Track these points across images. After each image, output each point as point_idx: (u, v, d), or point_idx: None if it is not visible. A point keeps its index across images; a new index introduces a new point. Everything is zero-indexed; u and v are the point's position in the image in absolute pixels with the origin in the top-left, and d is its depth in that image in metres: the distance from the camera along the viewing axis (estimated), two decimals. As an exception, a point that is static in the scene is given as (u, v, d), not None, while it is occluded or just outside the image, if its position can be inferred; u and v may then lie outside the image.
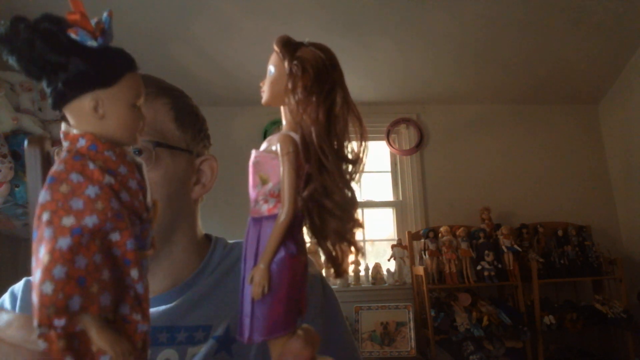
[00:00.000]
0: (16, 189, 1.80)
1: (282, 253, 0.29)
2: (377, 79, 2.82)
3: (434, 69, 2.81)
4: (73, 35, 0.26)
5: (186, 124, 0.67)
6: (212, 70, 2.64)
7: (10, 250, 2.39)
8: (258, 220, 0.31)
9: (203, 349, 0.59)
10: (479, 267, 2.54)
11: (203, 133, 0.72)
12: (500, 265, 2.55)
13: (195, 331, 0.61)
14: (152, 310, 0.62)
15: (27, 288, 0.67)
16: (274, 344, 0.30)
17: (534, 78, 2.92)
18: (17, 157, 1.80)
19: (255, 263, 0.30)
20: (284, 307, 0.30)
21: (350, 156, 0.32)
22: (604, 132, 3.16)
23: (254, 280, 0.29)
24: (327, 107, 0.31)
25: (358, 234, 0.32)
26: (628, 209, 2.96)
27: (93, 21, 0.28)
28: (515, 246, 2.58)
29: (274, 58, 0.32)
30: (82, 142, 0.28)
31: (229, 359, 0.59)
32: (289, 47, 0.31)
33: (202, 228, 0.74)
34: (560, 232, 2.74)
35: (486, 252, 2.55)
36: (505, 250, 2.56)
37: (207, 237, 0.75)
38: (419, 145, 2.97)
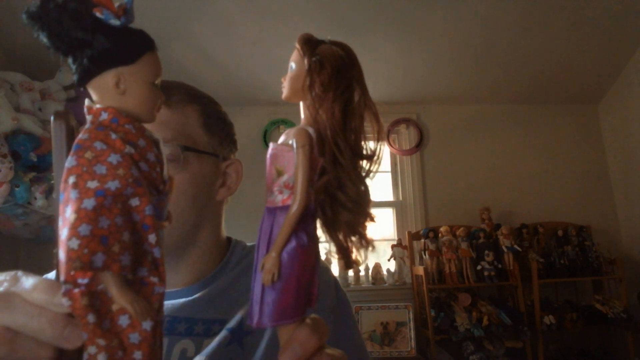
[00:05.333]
0: (16, 189, 1.80)
1: (293, 243, 0.30)
2: (376, 79, 2.82)
3: (433, 69, 2.81)
4: (98, 14, 0.28)
5: (214, 129, 0.71)
6: (212, 70, 2.64)
7: (10, 250, 2.38)
8: (272, 211, 0.31)
9: (216, 339, 0.61)
10: (479, 267, 2.54)
11: (230, 138, 0.75)
12: (500, 265, 2.55)
13: (212, 324, 0.63)
14: (174, 302, 0.64)
15: None
16: (283, 331, 0.31)
17: (533, 78, 2.92)
18: (17, 157, 1.80)
19: (268, 251, 0.30)
20: (293, 295, 0.30)
21: (365, 152, 0.32)
22: (604, 132, 3.16)
23: (264, 268, 0.30)
24: (343, 104, 0.31)
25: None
26: (628, 209, 2.96)
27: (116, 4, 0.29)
28: (515, 246, 2.58)
29: (295, 55, 0.33)
30: (104, 115, 0.30)
31: (240, 351, 0.61)
32: (310, 45, 0.32)
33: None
34: (560, 232, 2.74)
35: (486, 252, 2.55)
36: (505, 250, 2.56)
37: (228, 239, 0.78)
38: (419, 145, 2.97)
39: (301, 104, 0.33)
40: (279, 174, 0.31)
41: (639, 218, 2.85)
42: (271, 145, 0.33)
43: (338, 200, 0.31)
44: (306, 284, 0.31)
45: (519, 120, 3.11)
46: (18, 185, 1.80)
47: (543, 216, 2.86)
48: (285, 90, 0.33)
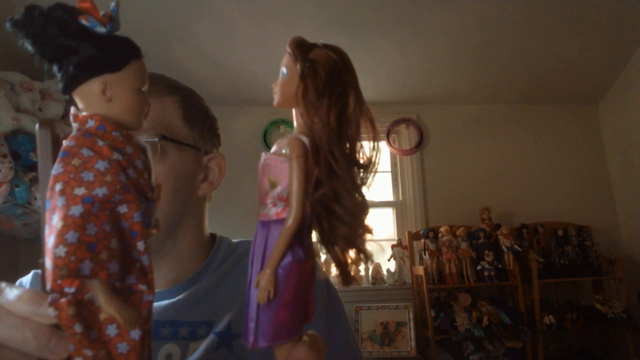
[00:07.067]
0: (16, 189, 1.80)
1: (288, 258, 0.29)
2: (377, 79, 2.82)
3: (433, 69, 2.81)
4: (84, 22, 0.28)
5: (194, 122, 0.68)
6: (213, 70, 2.64)
7: (10, 250, 2.39)
8: (266, 224, 0.30)
9: (204, 344, 0.59)
10: (479, 267, 2.54)
11: (212, 132, 0.73)
12: (500, 265, 2.55)
13: (198, 327, 0.61)
14: (155, 304, 0.60)
15: (35, 280, 0.69)
16: (279, 350, 0.30)
17: (533, 78, 2.92)
18: (17, 157, 1.80)
19: (262, 267, 0.29)
20: (290, 313, 0.29)
21: (361, 160, 0.31)
22: (604, 132, 3.16)
23: (259, 285, 0.28)
24: (339, 110, 0.30)
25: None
26: (628, 209, 2.96)
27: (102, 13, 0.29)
28: (515, 246, 2.58)
29: (286, 59, 0.31)
30: (91, 123, 0.29)
31: (230, 355, 0.59)
32: (302, 49, 0.31)
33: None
34: (560, 232, 2.74)
35: (486, 252, 2.54)
36: (505, 250, 2.56)
37: (212, 236, 0.75)
38: (419, 145, 2.97)
39: (294, 111, 0.31)
40: (272, 185, 0.30)
41: (639, 218, 2.85)
42: (263, 155, 0.31)
43: (334, 213, 0.30)
44: (303, 300, 0.30)
45: (518, 120, 3.11)
46: (18, 185, 1.80)
47: (543, 216, 2.86)
48: (276, 97, 0.31)
